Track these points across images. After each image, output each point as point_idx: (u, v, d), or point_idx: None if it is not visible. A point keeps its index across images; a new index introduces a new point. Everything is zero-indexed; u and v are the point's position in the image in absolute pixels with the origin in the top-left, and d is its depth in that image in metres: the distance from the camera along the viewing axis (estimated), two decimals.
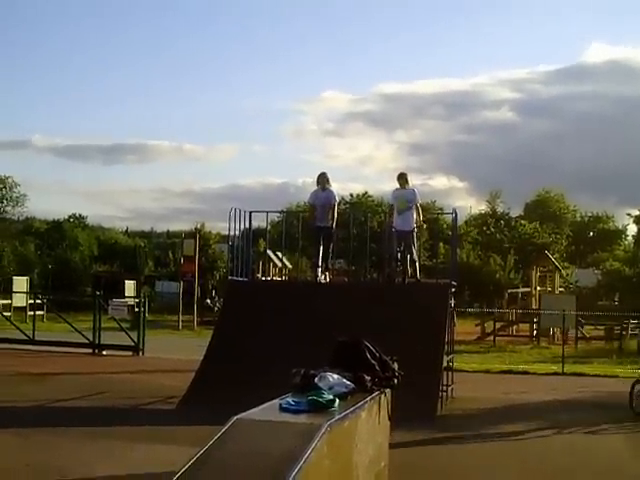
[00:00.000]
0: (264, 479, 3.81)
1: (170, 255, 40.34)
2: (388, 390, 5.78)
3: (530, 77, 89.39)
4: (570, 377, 14.74)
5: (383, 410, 5.61)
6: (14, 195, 48.85)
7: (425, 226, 24.40)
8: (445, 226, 39.04)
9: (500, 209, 58.44)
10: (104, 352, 16.72)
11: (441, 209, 43.62)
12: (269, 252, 27.25)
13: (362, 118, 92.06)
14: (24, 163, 77.40)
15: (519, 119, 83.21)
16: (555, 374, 15.23)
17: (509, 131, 79.33)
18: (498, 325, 25.33)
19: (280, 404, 4.74)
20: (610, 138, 70.26)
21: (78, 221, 52.69)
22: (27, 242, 42.56)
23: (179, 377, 11.97)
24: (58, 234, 45.39)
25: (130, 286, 32.05)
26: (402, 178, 12.33)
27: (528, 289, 29.71)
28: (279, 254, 27.91)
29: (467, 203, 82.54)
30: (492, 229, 53.03)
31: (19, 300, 26.30)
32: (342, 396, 4.95)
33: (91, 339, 16.86)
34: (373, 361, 5.80)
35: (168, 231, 56.42)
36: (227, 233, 13.32)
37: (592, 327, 25.51)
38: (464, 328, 20.94)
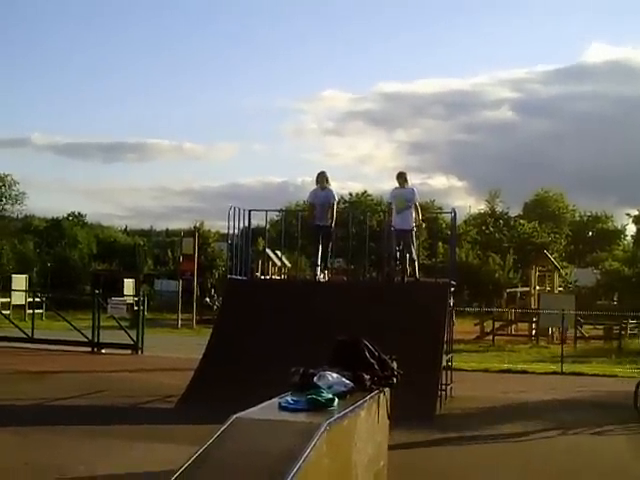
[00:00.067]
0: (263, 478, 3.81)
1: (169, 254, 40.33)
2: (387, 389, 5.78)
3: (530, 77, 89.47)
4: (569, 376, 14.74)
5: (382, 409, 5.61)
6: (13, 193, 48.81)
7: (424, 225, 24.38)
8: (444, 225, 39.01)
9: (499, 209, 58.55)
10: (103, 350, 16.72)
11: (440, 208, 43.70)
12: (268, 251, 27.26)
13: (362, 117, 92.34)
14: (24, 161, 77.33)
15: (519, 119, 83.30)
16: (554, 373, 15.23)
17: (509, 131, 79.45)
18: (497, 324, 25.36)
19: (279, 403, 4.74)
20: (610, 138, 70.38)
21: (77, 219, 52.66)
22: (26, 240, 42.51)
23: (178, 376, 11.97)
24: (57, 232, 45.32)
25: (129, 284, 32.01)
26: (401, 177, 12.33)
27: (527, 288, 29.73)
28: (278, 253, 27.96)
29: (466, 202, 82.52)
30: (491, 228, 53.02)
31: (18, 298, 26.25)
32: (341, 395, 4.95)
33: (90, 337, 16.84)
34: (372, 360, 5.80)
35: (167, 230, 56.54)
36: (226, 232, 13.31)
37: (591, 327, 25.53)
38: (463, 327, 20.90)
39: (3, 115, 78.04)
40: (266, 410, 4.63)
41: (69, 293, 32.66)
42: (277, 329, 10.78)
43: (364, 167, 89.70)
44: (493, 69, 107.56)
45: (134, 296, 26.02)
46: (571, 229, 59.35)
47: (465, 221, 51.63)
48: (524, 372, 15.39)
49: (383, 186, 71.39)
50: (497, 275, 40.73)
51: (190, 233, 32.43)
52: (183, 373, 11.67)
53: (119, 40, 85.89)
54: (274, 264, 29.37)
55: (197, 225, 40.90)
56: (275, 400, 4.81)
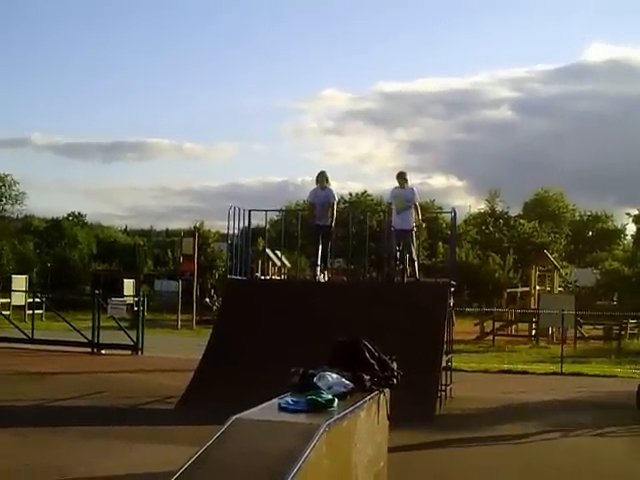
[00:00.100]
0: (263, 479, 3.80)
1: (169, 254, 40.29)
2: (387, 390, 5.77)
3: (530, 76, 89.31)
4: (569, 377, 14.73)
5: (382, 410, 5.60)
6: (13, 193, 48.79)
7: (424, 225, 24.31)
8: (444, 225, 39.02)
9: (499, 208, 58.60)
10: (103, 351, 16.70)
11: (440, 208, 43.64)
12: (268, 251, 27.27)
13: (362, 116, 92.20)
14: (23, 161, 77.32)
15: (519, 118, 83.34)
16: (554, 374, 15.22)
17: (508, 130, 79.46)
18: (497, 325, 25.34)
19: (279, 404, 4.73)
20: (610, 138, 70.39)
21: (77, 219, 52.61)
22: (26, 240, 42.49)
23: (178, 376, 11.96)
24: (57, 232, 45.30)
25: (129, 285, 31.99)
26: (401, 177, 12.33)
27: (527, 289, 29.71)
28: (278, 253, 27.95)
29: (466, 202, 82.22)
30: (491, 228, 53.02)
31: (18, 299, 26.24)
32: (341, 396, 4.94)
33: (90, 338, 16.83)
34: (372, 360, 5.79)
35: (167, 230, 56.49)
36: (226, 232, 13.32)
37: (591, 327, 25.51)
38: (463, 327, 20.89)
39: (3, 115, 78.15)
40: (266, 411, 4.62)
41: (69, 293, 32.66)
42: (277, 329, 10.77)
43: (364, 166, 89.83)
44: (493, 68, 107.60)
45: (134, 296, 26.01)
46: (571, 229, 59.39)
47: (465, 221, 51.64)
48: (524, 372, 15.38)
49: (383, 186, 71.50)
50: (497, 275, 40.74)
51: (190, 233, 32.42)
52: (183, 374, 11.66)
53: (119, 40, 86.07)
54: (274, 264, 29.38)
55: (197, 225, 40.90)
56: (275, 401, 4.80)
